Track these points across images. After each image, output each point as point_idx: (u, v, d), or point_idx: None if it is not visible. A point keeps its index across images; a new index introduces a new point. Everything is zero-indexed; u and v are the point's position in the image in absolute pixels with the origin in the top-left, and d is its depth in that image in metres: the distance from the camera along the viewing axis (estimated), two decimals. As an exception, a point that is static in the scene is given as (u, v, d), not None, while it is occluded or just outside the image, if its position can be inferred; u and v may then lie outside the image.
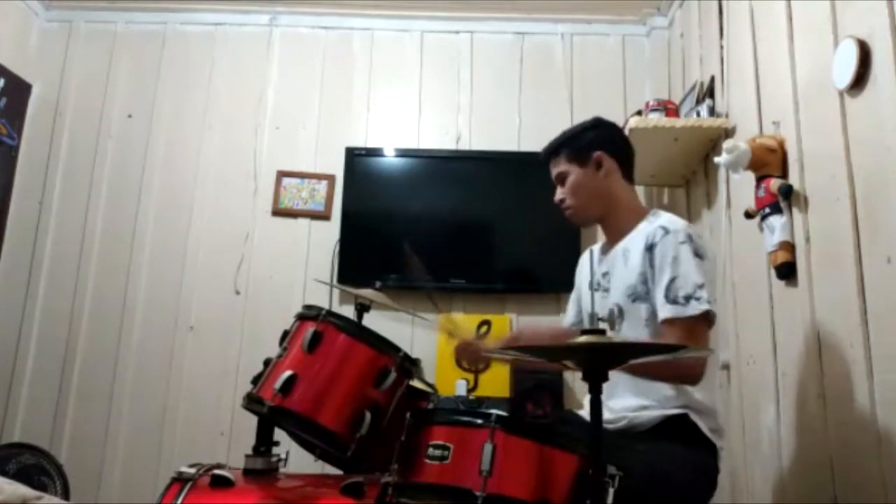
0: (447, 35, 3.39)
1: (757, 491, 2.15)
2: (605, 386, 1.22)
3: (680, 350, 1.29)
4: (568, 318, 2.09)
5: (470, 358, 1.91)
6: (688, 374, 1.61)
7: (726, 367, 2.35)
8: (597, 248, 1.95)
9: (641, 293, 1.71)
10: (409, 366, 1.68)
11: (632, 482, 1.27)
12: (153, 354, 3.05)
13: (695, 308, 1.60)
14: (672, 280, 1.64)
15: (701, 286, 1.62)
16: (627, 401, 1.71)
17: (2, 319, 3.06)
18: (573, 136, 1.90)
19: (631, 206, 1.87)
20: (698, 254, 1.66)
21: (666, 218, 1.75)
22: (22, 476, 2.39)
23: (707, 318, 1.62)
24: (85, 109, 3.29)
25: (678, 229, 1.69)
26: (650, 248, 1.70)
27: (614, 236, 1.86)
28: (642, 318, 1.71)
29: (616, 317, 1.77)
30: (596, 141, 1.87)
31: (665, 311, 1.63)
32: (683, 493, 1.58)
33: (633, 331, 1.72)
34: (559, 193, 1.89)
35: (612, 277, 1.82)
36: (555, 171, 1.90)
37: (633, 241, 1.77)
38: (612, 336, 1.67)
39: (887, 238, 1.54)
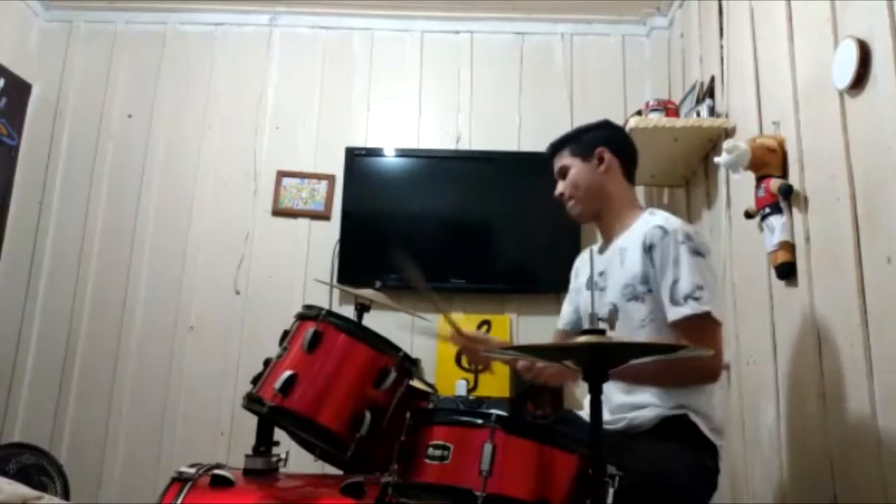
0: (447, 35, 3.39)
1: (757, 491, 2.15)
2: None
3: (679, 350, 1.29)
4: (563, 319, 2.09)
5: (471, 356, 1.92)
6: (705, 374, 1.63)
7: (726, 367, 2.35)
8: (597, 247, 1.95)
9: (640, 293, 1.71)
10: (409, 366, 1.68)
11: (631, 482, 1.27)
12: (153, 354, 3.05)
13: (694, 308, 1.61)
14: (674, 282, 1.65)
15: (700, 287, 1.62)
16: (625, 398, 1.71)
17: (2, 319, 3.06)
18: (580, 132, 1.94)
19: (628, 204, 1.88)
20: (698, 252, 1.66)
21: (662, 217, 1.76)
22: (22, 476, 2.39)
23: (709, 317, 1.62)
24: (85, 109, 3.29)
25: (676, 229, 1.69)
26: (650, 249, 1.70)
27: (610, 234, 1.87)
28: (637, 319, 1.72)
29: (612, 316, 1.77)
30: (601, 138, 1.90)
31: (671, 314, 1.65)
32: (683, 493, 1.59)
33: (626, 330, 1.71)
34: (560, 187, 1.92)
35: (608, 276, 1.82)
36: (558, 164, 1.93)
37: (630, 240, 1.78)
38: (612, 336, 1.67)
39: (887, 238, 1.54)
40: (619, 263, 1.78)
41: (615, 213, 1.86)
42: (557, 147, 1.93)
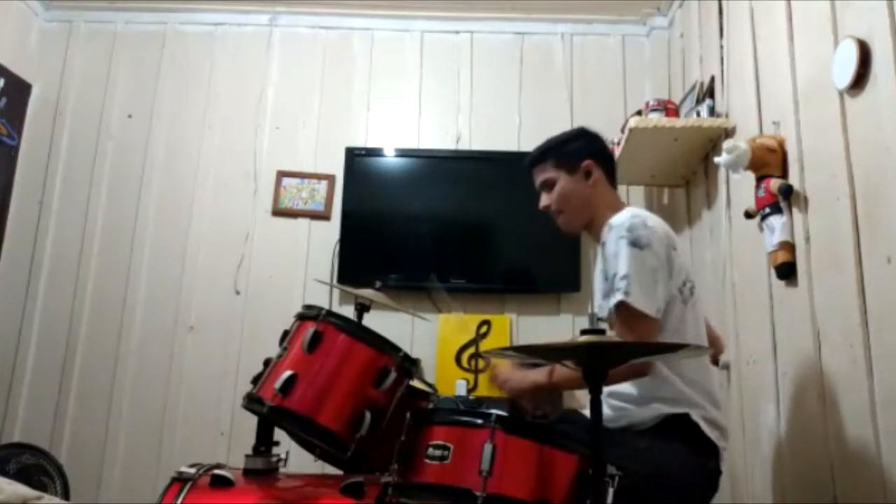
0: (447, 35, 3.39)
1: (757, 491, 2.15)
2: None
3: (680, 350, 1.29)
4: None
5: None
6: (634, 369, 1.60)
7: (726, 367, 2.35)
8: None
9: (606, 290, 1.74)
10: (409, 366, 1.68)
11: (632, 482, 1.27)
12: (153, 354, 3.05)
13: (615, 299, 1.63)
14: (612, 275, 1.67)
15: (624, 277, 1.62)
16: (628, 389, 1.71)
17: (2, 319, 3.06)
18: (560, 143, 1.92)
19: (614, 210, 1.87)
20: (636, 244, 1.66)
21: (619, 215, 1.75)
22: (22, 476, 2.39)
23: (628, 308, 1.61)
24: (85, 109, 3.29)
25: (621, 223, 1.70)
26: (604, 246, 1.75)
27: (599, 239, 1.88)
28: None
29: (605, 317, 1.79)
30: (585, 150, 1.89)
31: (609, 301, 1.67)
32: (683, 493, 1.59)
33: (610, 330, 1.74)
34: (545, 199, 1.90)
35: (595, 279, 1.88)
36: (541, 177, 1.90)
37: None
38: (612, 336, 1.67)
39: (887, 238, 1.54)
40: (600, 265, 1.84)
41: (603, 221, 1.86)
42: (539, 159, 1.91)
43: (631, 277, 1.62)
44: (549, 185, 1.89)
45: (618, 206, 1.88)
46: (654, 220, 1.75)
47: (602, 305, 1.79)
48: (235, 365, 3.01)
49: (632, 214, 1.73)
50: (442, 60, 3.36)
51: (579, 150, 1.89)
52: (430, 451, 1.31)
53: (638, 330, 1.61)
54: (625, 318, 1.63)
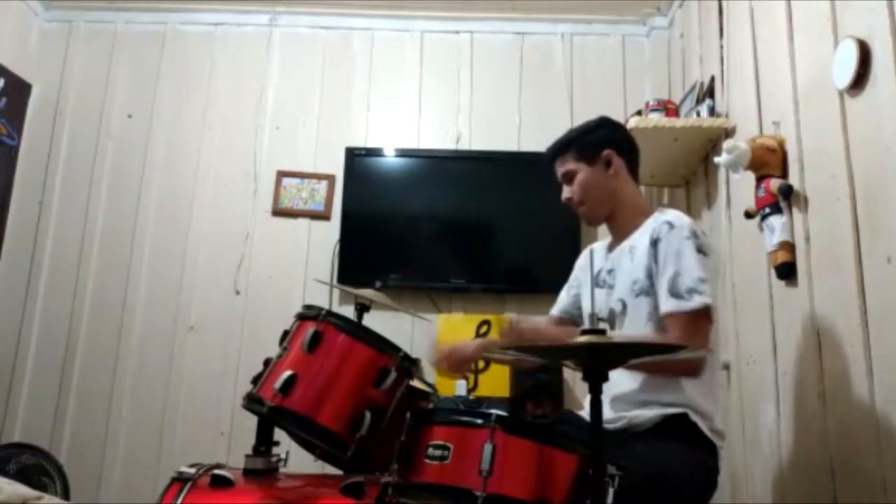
0: (447, 35, 3.39)
1: (757, 491, 2.15)
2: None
3: (678, 351, 1.29)
4: (559, 305, 2.05)
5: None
6: (687, 368, 1.62)
7: (726, 367, 2.35)
8: (598, 246, 1.95)
9: (646, 287, 1.71)
10: (409, 366, 1.68)
11: (631, 482, 1.27)
12: (153, 354, 3.05)
13: (696, 301, 1.60)
14: (676, 274, 1.64)
15: (703, 280, 1.62)
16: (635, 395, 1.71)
17: (2, 319, 3.06)
18: (581, 134, 1.90)
19: (637, 204, 1.87)
20: (702, 250, 1.66)
21: (672, 214, 1.75)
22: (22, 476, 2.39)
23: (708, 313, 1.62)
24: (85, 109, 3.29)
25: (683, 225, 1.69)
26: (655, 243, 1.70)
27: (621, 234, 1.86)
28: (645, 314, 1.71)
29: (618, 313, 1.77)
30: (605, 139, 1.87)
31: (668, 304, 1.64)
32: (683, 493, 1.58)
33: (634, 327, 1.71)
34: (567, 192, 1.88)
35: (617, 274, 1.82)
36: (561, 169, 1.88)
37: (640, 238, 1.77)
38: (613, 335, 1.67)
39: (887, 238, 1.54)
40: (629, 260, 1.78)
41: (626, 214, 1.85)
42: (559, 150, 1.89)
43: (709, 283, 1.62)
44: (569, 177, 1.87)
45: (643, 204, 1.89)
46: None
47: (626, 300, 1.75)
48: (235, 365, 3.01)
49: (686, 217, 1.73)
50: (442, 60, 3.36)
51: (599, 139, 1.87)
52: (430, 451, 1.31)
53: (706, 335, 1.63)
54: (702, 323, 1.62)
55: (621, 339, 1.65)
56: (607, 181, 1.84)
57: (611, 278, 1.83)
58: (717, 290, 1.70)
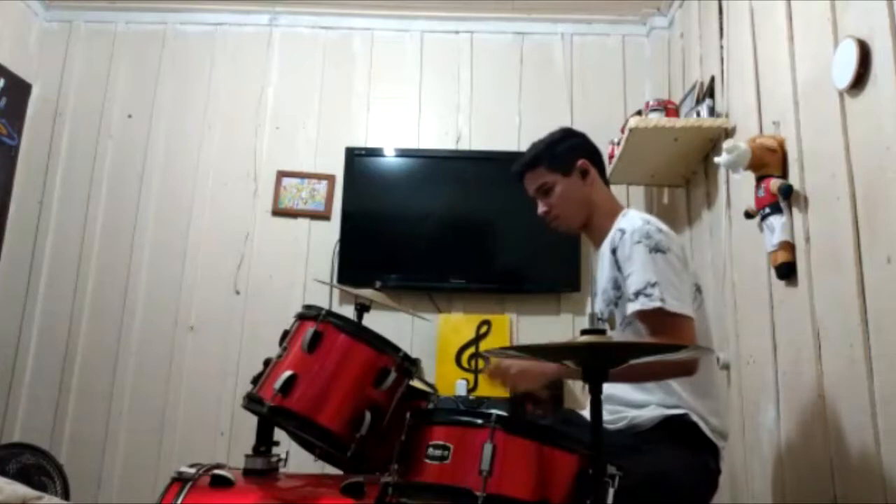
0: (447, 35, 3.39)
1: (757, 491, 2.15)
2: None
3: (679, 350, 1.29)
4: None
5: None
6: (677, 369, 1.61)
7: (726, 367, 2.35)
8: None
9: (614, 297, 1.74)
10: (409, 366, 1.68)
11: (632, 482, 1.27)
12: (153, 354, 3.05)
13: (644, 304, 1.61)
14: (627, 278, 1.66)
15: (652, 283, 1.61)
16: (628, 395, 1.71)
17: (2, 319, 3.06)
18: (549, 146, 1.89)
19: (610, 208, 1.87)
20: (657, 249, 1.66)
21: (626, 219, 1.76)
22: (22, 476, 2.39)
23: (665, 312, 1.60)
24: (85, 109, 3.29)
25: (634, 229, 1.69)
26: (614, 252, 1.73)
27: (598, 240, 1.88)
28: (618, 323, 1.75)
29: (608, 318, 1.79)
30: (575, 149, 1.88)
31: (629, 307, 1.65)
32: (683, 494, 1.59)
33: (617, 334, 1.74)
34: (543, 205, 1.88)
35: (597, 282, 1.86)
36: (535, 183, 1.88)
37: (605, 247, 1.80)
38: (612, 336, 1.67)
39: (887, 238, 1.54)
40: (601, 269, 1.82)
41: (601, 220, 1.86)
42: (530, 165, 1.89)
43: (661, 283, 1.61)
44: (545, 190, 1.87)
45: (615, 207, 1.88)
46: (662, 224, 1.75)
47: (604, 311, 1.79)
48: (235, 365, 3.01)
49: (643, 220, 1.73)
50: (442, 60, 3.35)
51: (570, 150, 1.88)
52: (430, 451, 1.30)
53: (679, 332, 1.61)
54: (662, 323, 1.61)
55: (620, 339, 1.66)
56: (583, 190, 1.86)
57: (595, 285, 1.88)
58: (686, 277, 1.68)
